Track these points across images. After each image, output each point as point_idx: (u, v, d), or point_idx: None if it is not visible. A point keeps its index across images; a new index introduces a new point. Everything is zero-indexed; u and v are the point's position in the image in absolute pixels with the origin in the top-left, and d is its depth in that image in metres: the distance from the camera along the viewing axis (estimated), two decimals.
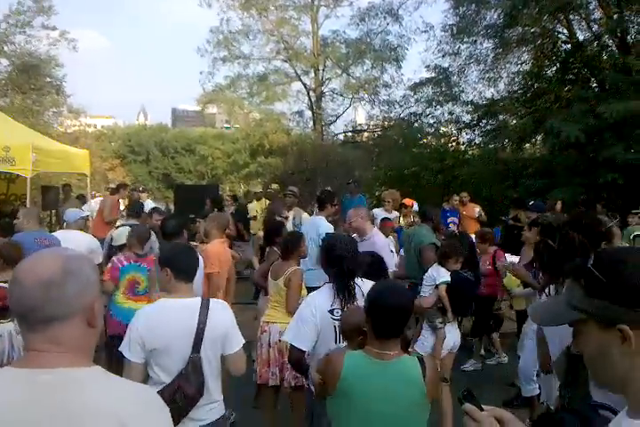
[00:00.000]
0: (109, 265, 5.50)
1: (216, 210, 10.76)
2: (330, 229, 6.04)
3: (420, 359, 2.64)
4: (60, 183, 13.80)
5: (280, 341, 4.48)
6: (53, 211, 11.80)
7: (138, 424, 1.32)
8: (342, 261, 3.43)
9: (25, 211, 6.17)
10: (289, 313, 4.59)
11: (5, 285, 3.89)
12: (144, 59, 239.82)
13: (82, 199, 11.89)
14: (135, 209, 7.59)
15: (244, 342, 3.06)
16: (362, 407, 2.50)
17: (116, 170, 26.89)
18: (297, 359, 3.33)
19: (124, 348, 2.92)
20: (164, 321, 2.93)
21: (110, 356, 4.41)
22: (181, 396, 2.82)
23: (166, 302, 3.05)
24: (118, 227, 6.95)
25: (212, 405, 2.99)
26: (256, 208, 12.02)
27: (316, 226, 6.14)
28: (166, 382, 2.86)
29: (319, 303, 3.36)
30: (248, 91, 23.11)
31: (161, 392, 2.76)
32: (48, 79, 21.07)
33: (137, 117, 72.84)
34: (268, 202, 11.79)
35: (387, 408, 2.50)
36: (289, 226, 7.79)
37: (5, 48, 20.05)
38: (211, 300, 3.07)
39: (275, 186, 11.82)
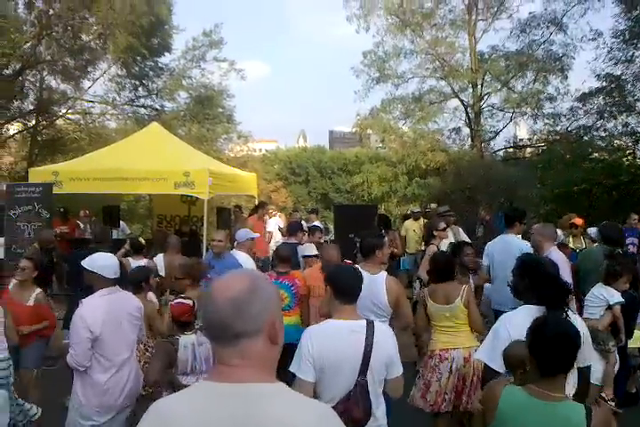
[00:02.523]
0: None
1: (383, 229, 10.86)
2: (528, 247, 5.75)
3: (589, 409, 2.39)
4: (232, 204, 14.83)
5: (464, 366, 4.41)
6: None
7: None
8: (556, 283, 3.27)
9: (224, 234, 6.79)
10: (478, 333, 4.52)
11: (188, 301, 4.24)
12: (303, 84, 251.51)
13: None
14: (292, 229, 7.97)
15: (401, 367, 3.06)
16: None
17: (279, 191, 28.36)
18: (488, 379, 3.20)
19: (294, 366, 2.98)
20: (333, 342, 2.96)
21: None
22: (348, 419, 2.80)
23: (333, 322, 3.09)
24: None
25: None
26: (413, 227, 11.93)
27: (508, 244, 5.90)
28: (329, 403, 2.85)
29: (516, 324, 3.16)
30: (404, 111, 23.15)
31: None
32: (220, 109, 22.93)
33: (297, 140, 76.28)
34: (425, 221, 11.65)
35: None
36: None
37: (184, 82, 22.19)
38: (375, 323, 3.08)
39: (433, 205, 11.63)
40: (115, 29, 18.11)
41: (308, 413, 1.44)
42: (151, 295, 6.21)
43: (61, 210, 11.24)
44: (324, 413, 1.49)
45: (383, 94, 23.61)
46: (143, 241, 7.36)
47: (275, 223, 13.42)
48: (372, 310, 4.38)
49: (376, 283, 4.40)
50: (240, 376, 1.44)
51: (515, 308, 3.69)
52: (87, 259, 4.17)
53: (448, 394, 4.42)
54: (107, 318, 4.05)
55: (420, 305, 4.78)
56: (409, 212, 13.66)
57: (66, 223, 11.01)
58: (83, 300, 4.18)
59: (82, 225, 11.45)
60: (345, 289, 3.13)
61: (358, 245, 5.15)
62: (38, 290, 5.57)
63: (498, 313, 4.69)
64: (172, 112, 21.78)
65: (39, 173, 10.25)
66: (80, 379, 4.09)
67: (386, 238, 5.37)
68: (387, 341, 3.02)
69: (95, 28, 18.86)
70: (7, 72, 17.74)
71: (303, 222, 11.09)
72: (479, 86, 22.16)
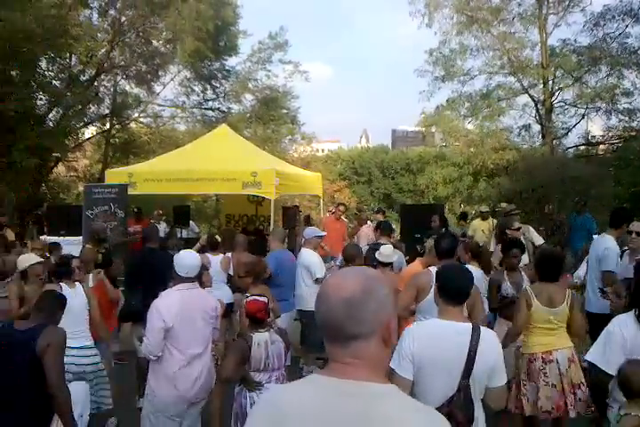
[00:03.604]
0: None
1: (444, 229, 10.66)
2: (616, 250, 5.45)
3: None
4: (293, 205, 15.00)
5: (569, 367, 4.26)
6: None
7: None
8: None
9: (272, 231, 6.93)
10: (577, 336, 4.39)
11: (263, 299, 4.29)
12: (365, 84, 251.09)
13: (307, 220, 12.66)
14: (386, 229, 7.84)
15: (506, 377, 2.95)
16: None
17: (342, 191, 28.41)
18: (599, 383, 3.12)
19: (394, 363, 2.90)
20: (435, 342, 2.89)
21: None
22: (454, 423, 2.72)
23: (437, 322, 3.02)
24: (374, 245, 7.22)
25: None
26: (481, 227, 11.66)
27: (600, 245, 5.64)
28: (426, 404, 2.82)
29: (631, 326, 3.07)
30: (471, 109, 22.67)
31: None
32: (285, 111, 23.21)
33: (359, 140, 76.18)
34: (494, 221, 11.37)
35: None
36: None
37: (250, 84, 22.58)
38: (481, 327, 2.98)
39: (503, 205, 11.32)
40: (182, 34, 18.64)
41: (419, 417, 1.42)
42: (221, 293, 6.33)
43: (135, 210, 11.66)
44: (435, 419, 1.47)
45: (448, 92, 23.20)
46: (219, 238, 7.55)
47: None
48: None
49: None
50: (353, 375, 1.44)
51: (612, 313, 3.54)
52: (177, 253, 4.41)
53: (567, 397, 4.22)
54: (181, 311, 4.17)
55: (522, 305, 4.49)
56: (474, 211, 13.44)
57: (139, 222, 11.41)
58: (162, 292, 4.34)
59: (156, 224, 11.83)
60: (452, 289, 3.00)
61: (430, 245, 5.04)
62: (90, 274, 5.81)
63: (590, 315, 4.51)
64: (238, 114, 22.21)
65: (115, 175, 10.68)
66: (153, 370, 4.24)
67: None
68: (492, 347, 2.90)
69: (164, 33, 19.47)
70: (83, 78, 18.55)
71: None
72: (550, 82, 21.44)
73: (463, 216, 13.57)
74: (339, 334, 1.44)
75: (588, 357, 3.22)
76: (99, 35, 18.51)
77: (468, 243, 6.50)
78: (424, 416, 1.44)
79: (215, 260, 6.93)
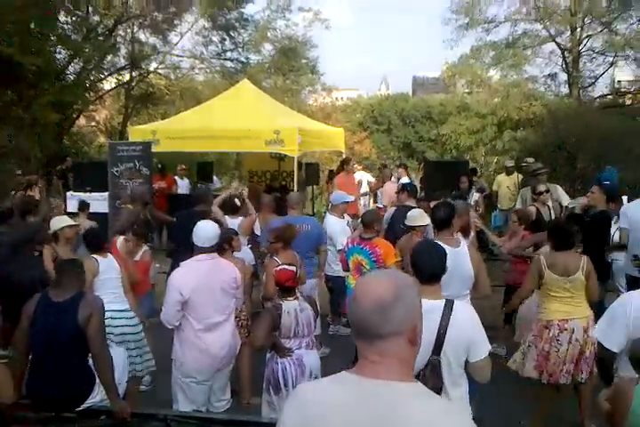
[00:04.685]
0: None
1: (473, 188, 10.52)
2: None
3: None
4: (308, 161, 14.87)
5: (584, 337, 4.39)
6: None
7: None
8: None
9: (288, 197, 6.91)
10: (591, 301, 4.49)
11: (292, 268, 4.37)
12: (386, 29, 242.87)
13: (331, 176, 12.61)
14: (414, 191, 7.51)
15: (490, 348, 2.95)
16: None
17: (362, 142, 28.01)
18: (603, 359, 3.22)
19: None
20: None
21: None
22: None
23: None
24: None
25: None
26: (505, 183, 11.52)
27: None
28: None
29: (637, 304, 3.06)
30: (496, 58, 21.90)
31: None
32: (304, 60, 22.65)
33: (379, 87, 74.49)
34: (519, 176, 11.21)
35: None
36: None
37: (269, 34, 21.94)
38: (455, 302, 2.97)
39: (530, 160, 11.13)
40: None
41: (448, 418, 1.46)
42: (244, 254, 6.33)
43: (159, 166, 11.75)
44: (464, 422, 1.50)
45: (472, 41, 22.36)
46: (239, 202, 7.40)
47: (360, 178, 13.23)
48: (459, 286, 4.10)
49: (461, 257, 4.13)
50: (378, 373, 1.50)
51: None
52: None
53: (567, 364, 4.41)
54: (198, 282, 4.26)
55: (532, 272, 4.63)
56: (495, 162, 13.16)
57: (164, 179, 11.53)
58: (182, 262, 4.43)
59: (179, 180, 11.94)
60: (424, 270, 2.98)
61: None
62: (146, 247, 5.89)
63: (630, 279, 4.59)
64: (257, 65, 21.73)
65: (139, 132, 10.71)
66: (177, 338, 4.40)
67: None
68: (466, 322, 2.88)
69: None
70: (100, 30, 18.20)
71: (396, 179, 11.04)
72: (578, 29, 20.58)
73: (472, 171, 12.52)
74: (367, 333, 1.51)
75: (595, 331, 3.29)
76: None
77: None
78: (452, 419, 1.47)
79: (234, 224, 6.66)
